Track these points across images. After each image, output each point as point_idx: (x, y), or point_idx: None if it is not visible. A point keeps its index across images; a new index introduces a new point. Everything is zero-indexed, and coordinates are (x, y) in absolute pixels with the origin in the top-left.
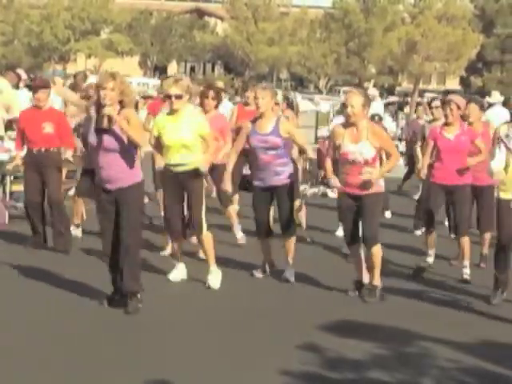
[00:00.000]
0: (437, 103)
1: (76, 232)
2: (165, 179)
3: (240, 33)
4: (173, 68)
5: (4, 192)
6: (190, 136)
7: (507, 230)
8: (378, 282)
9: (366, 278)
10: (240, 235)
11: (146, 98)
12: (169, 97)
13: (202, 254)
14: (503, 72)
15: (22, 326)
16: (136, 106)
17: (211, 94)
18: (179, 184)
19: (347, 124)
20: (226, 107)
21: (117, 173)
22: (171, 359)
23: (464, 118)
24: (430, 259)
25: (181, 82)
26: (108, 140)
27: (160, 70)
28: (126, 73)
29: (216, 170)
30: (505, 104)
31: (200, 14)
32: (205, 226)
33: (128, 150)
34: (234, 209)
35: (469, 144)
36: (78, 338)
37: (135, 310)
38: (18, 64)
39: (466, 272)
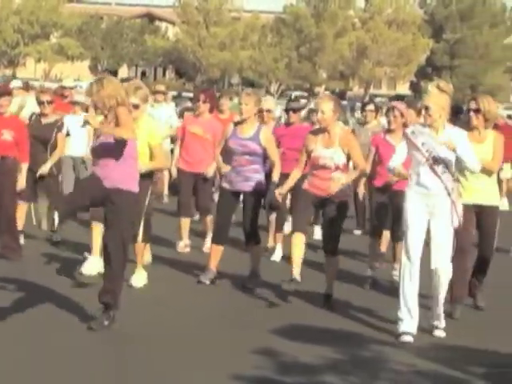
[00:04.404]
0: (371, 107)
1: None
2: None
3: (191, 37)
4: (124, 72)
5: None
6: (145, 146)
7: None
8: (332, 291)
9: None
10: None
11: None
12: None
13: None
14: (452, 77)
15: None
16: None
17: (202, 97)
18: None
19: (319, 130)
20: (168, 110)
21: (111, 171)
22: (124, 355)
23: (406, 125)
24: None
25: (139, 91)
26: (102, 141)
27: (111, 75)
28: (76, 77)
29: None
30: None
31: (151, 18)
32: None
33: (122, 157)
34: (210, 218)
35: None
36: (60, 350)
37: (99, 326)
38: None
39: (397, 274)
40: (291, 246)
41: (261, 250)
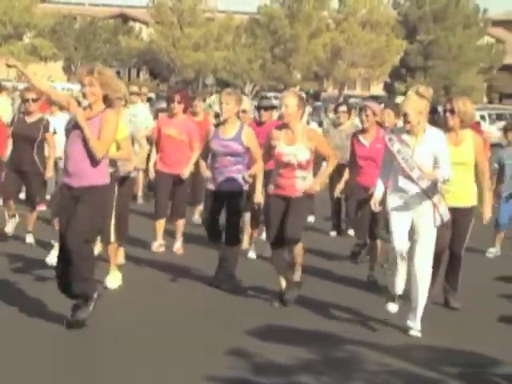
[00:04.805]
0: (343, 108)
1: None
2: None
3: (165, 38)
4: None
5: None
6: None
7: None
8: (300, 278)
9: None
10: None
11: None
12: None
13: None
14: (426, 78)
15: None
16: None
17: (177, 97)
18: None
19: (282, 126)
20: (143, 111)
21: (81, 167)
22: (101, 356)
23: (380, 124)
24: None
25: None
26: (79, 132)
27: None
28: (48, 78)
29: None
30: None
31: (124, 19)
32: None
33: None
34: (183, 222)
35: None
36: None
37: (77, 322)
38: None
39: (373, 274)
40: (274, 267)
41: (239, 251)
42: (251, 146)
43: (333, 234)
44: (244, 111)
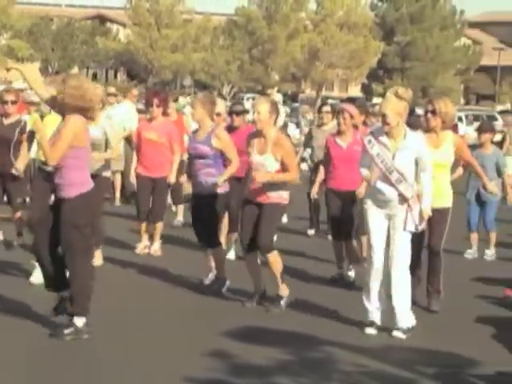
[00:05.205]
0: (327, 108)
1: None
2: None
3: (143, 39)
4: None
5: None
6: None
7: None
8: (282, 291)
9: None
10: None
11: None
12: None
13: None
14: (403, 79)
15: None
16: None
17: (156, 101)
18: None
19: (256, 132)
20: (130, 112)
21: (60, 179)
22: (82, 355)
23: (356, 126)
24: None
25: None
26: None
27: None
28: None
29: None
30: None
31: (102, 20)
32: None
33: (73, 157)
34: (161, 224)
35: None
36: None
37: (60, 336)
38: None
39: (352, 275)
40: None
41: (222, 252)
42: (223, 147)
43: (310, 232)
44: (218, 114)
